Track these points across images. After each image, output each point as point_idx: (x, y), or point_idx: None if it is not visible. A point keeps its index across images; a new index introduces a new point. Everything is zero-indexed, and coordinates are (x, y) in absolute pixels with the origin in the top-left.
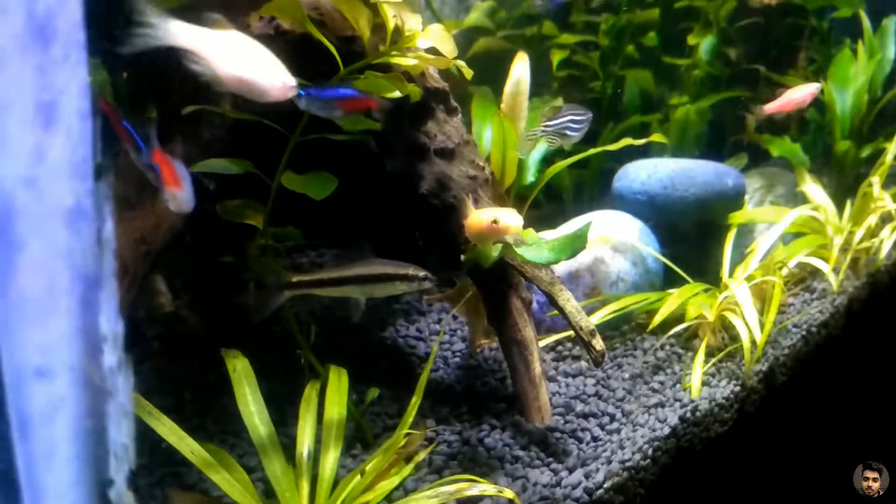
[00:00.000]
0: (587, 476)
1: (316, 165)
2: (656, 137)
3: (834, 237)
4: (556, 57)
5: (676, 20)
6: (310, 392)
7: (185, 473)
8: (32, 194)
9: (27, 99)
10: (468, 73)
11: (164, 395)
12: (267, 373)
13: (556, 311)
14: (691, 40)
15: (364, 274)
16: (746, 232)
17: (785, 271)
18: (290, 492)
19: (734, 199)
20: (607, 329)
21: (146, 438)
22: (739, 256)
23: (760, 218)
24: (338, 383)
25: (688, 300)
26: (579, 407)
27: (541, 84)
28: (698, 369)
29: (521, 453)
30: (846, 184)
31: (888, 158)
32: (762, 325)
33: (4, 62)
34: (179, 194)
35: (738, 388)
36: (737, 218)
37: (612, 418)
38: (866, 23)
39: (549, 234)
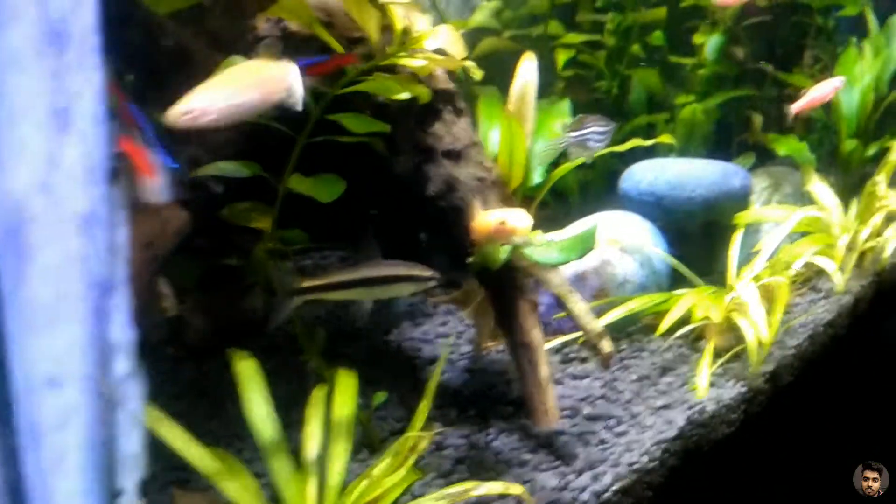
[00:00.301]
0: (595, 479)
1: (323, 167)
2: (664, 138)
3: (840, 236)
4: (562, 57)
5: (682, 19)
6: (317, 396)
7: (194, 479)
8: (47, 200)
9: (42, 104)
10: (478, 75)
11: (168, 399)
12: (271, 377)
13: (562, 314)
14: (697, 39)
15: (372, 276)
16: (753, 231)
17: (791, 271)
18: (298, 497)
19: (741, 199)
20: (614, 331)
21: (153, 443)
22: (746, 256)
23: (767, 218)
24: (346, 386)
25: (695, 303)
26: (586, 409)
27: (546, 84)
28: (705, 370)
29: (528, 456)
30: (852, 183)
31: (893, 157)
32: (769, 326)
33: (20, 67)
34: (152, 183)
35: (744, 389)
36: (743, 218)
37: (620, 420)
38: (872, 21)
39: (557, 236)
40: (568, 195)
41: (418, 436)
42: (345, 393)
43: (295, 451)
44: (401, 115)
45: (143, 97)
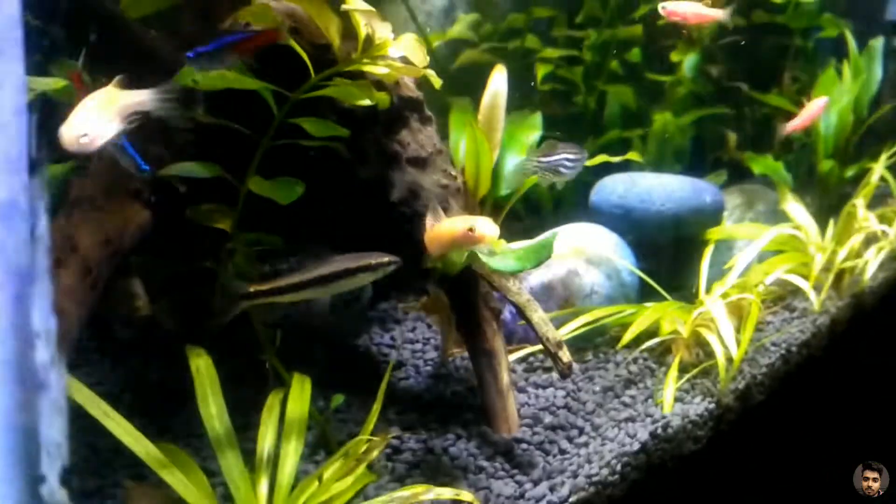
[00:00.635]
0: (552, 489)
1: (289, 171)
2: (632, 156)
3: (816, 255)
4: (541, 71)
5: (660, 37)
6: (273, 400)
7: (150, 474)
8: None
9: None
10: (437, 83)
11: (135, 396)
12: (236, 378)
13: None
14: (674, 57)
15: (325, 274)
16: (726, 248)
17: (762, 288)
18: (248, 494)
19: (712, 215)
20: (580, 341)
21: (108, 439)
22: (718, 273)
23: (738, 234)
24: (300, 390)
25: (661, 316)
26: (548, 419)
27: (523, 97)
28: (671, 385)
29: (485, 464)
30: (829, 203)
31: (873, 179)
32: (738, 343)
33: None
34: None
35: (712, 406)
36: (714, 234)
37: (581, 431)
38: (852, 43)
39: (517, 245)
40: (541, 207)
41: (371, 439)
42: (299, 394)
43: (251, 452)
44: (367, 122)
45: None
